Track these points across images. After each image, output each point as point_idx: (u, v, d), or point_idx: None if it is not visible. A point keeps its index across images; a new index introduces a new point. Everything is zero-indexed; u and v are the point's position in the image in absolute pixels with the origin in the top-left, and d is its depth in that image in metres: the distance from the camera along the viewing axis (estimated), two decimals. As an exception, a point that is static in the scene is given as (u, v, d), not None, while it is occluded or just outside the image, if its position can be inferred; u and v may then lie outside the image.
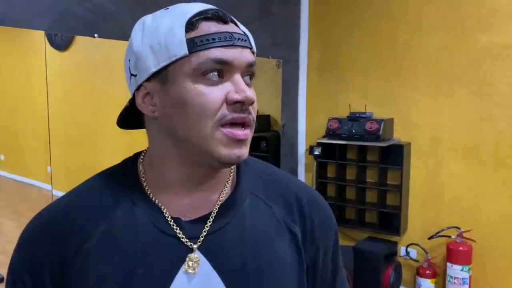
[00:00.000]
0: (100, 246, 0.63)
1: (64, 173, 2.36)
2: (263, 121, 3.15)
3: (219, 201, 0.67)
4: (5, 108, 2.35)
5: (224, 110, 0.60)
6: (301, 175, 3.29)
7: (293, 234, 0.69)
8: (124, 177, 0.69)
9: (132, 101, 0.67)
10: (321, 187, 3.15)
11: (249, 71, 0.63)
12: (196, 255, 0.63)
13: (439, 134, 2.80)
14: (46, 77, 2.24)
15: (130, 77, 0.65)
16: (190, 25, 0.60)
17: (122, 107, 0.70)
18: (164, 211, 0.65)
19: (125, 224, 0.64)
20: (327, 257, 0.74)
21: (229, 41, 0.60)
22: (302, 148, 3.26)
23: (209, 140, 0.60)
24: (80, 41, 2.25)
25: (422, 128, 2.86)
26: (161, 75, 0.61)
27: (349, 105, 3.02)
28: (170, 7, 0.64)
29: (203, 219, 0.66)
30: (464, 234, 2.67)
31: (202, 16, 0.61)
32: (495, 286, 2.68)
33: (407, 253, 2.91)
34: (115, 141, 2.29)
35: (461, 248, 2.65)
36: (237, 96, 0.60)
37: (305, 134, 3.28)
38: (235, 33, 0.62)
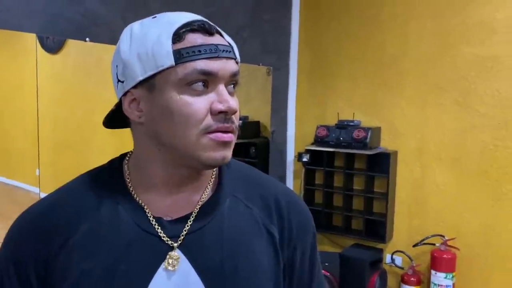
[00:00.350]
0: (84, 243, 0.65)
1: (53, 176, 2.36)
2: (253, 127, 3.18)
3: (200, 201, 0.71)
4: (-5, 109, 2.34)
5: (209, 120, 0.63)
6: (290, 182, 3.32)
7: (271, 234, 0.73)
8: (109, 177, 0.71)
9: (119, 105, 0.69)
10: (308, 194, 3.18)
11: (232, 80, 0.67)
12: (176, 253, 0.66)
13: (425, 144, 2.85)
14: (37, 79, 2.24)
15: (117, 83, 0.67)
16: (177, 36, 0.62)
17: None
18: (147, 210, 0.68)
19: (109, 223, 0.67)
20: (304, 257, 0.77)
21: (214, 53, 0.63)
22: (291, 154, 3.29)
23: (194, 146, 0.64)
24: (72, 44, 2.26)
25: (408, 137, 2.91)
26: (148, 83, 0.63)
27: (338, 112, 3.07)
28: (158, 16, 0.67)
29: (184, 219, 0.69)
30: (448, 242, 2.71)
31: (189, 27, 0.63)
32: (477, 293, 2.73)
33: (392, 260, 2.94)
34: (106, 145, 2.30)
35: (445, 256, 2.69)
36: (221, 107, 0.63)
37: (294, 141, 3.31)
38: (220, 44, 0.64)
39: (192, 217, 0.69)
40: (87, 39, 1.97)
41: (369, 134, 2.85)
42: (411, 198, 2.93)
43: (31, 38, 2.09)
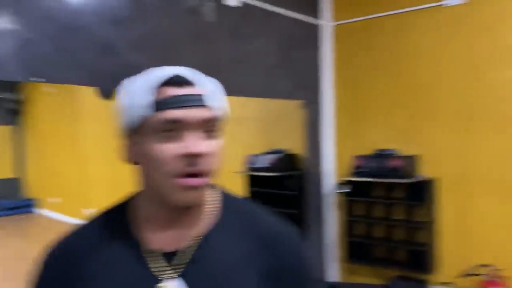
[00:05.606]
0: (86, 283, 0.74)
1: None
2: (290, 159, 3.24)
3: (195, 236, 0.76)
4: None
5: (176, 164, 0.69)
6: (328, 214, 3.34)
7: (262, 270, 0.76)
8: (117, 213, 0.80)
9: None
10: (349, 225, 3.18)
11: (206, 126, 0.71)
12: (164, 284, 0.73)
13: (467, 170, 2.80)
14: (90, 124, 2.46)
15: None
16: (154, 89, 0.71)
17: None
18: (144, 245, 0.75)
19: (107, 260, 0.75)
20: None
21: (181, 102, 0.70)
22: (328, 186, 3.32)
23: (165, 189, 0.71)
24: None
25: (448, 164, 2.87)
26: (135, 130, 0.73)
27: (375, 142, 3.09)
28: (146, 71, 0.76)
29: (179, 253, 0.75)
30: (498, 273, 2.60)
31: (164, 81, 0.71)
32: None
33: (440, 292, 2.85)
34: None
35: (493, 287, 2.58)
36: (181, 150, 0.69)
37: (332, 172, 3.35)
38: (188, 95, 0.71)
39: (187, 250, 0.75)
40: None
41: (405, 162, 2.84)
42: (454, 227, 2.85)
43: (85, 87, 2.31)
